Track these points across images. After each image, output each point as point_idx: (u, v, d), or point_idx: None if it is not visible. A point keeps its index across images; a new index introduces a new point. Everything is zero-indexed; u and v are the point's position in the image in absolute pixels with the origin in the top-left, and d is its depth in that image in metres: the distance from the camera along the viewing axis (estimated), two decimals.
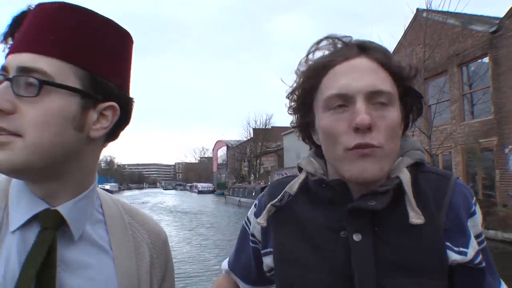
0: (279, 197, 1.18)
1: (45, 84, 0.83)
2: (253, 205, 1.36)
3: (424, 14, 21.99)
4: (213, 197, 69.76)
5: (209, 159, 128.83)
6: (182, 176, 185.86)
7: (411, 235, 1.02)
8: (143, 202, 48.83)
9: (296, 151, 38.78)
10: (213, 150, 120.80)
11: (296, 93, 1.17)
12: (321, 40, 1.15)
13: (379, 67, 1.05)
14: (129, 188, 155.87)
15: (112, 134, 1.00)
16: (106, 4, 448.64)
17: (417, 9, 23.49)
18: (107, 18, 0.95)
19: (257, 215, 1.29)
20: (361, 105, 1.01)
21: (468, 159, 19.62)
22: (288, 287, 1.13)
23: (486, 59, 18.79)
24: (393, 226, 1.04)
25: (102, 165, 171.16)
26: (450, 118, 20.79)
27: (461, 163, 20.12)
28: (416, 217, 1.00)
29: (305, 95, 1.14)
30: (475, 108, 20.17)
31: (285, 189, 1.18)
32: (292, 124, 1.25)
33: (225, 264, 1.49)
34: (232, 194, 53.21)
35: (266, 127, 67.31)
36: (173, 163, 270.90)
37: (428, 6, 21.43)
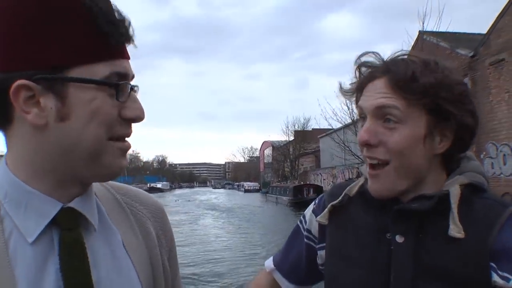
0: (339, 198, 1.26)
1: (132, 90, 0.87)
2: (312, 203, 1.43)
3: (424, 36, 25.89)
4: (257, 195, 74.01)
5: (258, 158, 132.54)
6: (232, 175, 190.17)
7: (454, 247, 1.05)
8: (189, 201, 53.74)
9: (330, 153, 42.48)
10: (259, 150, 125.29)
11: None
12: (363, 55, 1.23)
13: (391, 87, 1.10)
14: (180, 187, 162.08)
15: None
16: (156, 12, 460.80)
17: (419, 31, 27.15)
18: None
19: (315, 212, 1.36)
20: (367, 122, 1.12)
21: None
22: (333, 279, 1.24)
23: (467, 79, 22.38)
24: (436, 235, 1.08)
25: (154, 164, 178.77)
26: None
27: None
28: (455, 230, 1.04)
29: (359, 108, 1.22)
30: None
31: (344, 191, 1.27)
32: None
33: (269, 262, 1.51)
34: (271, 193, 57.63)
35: (305, 129, 71.10)
36: (223, 163, 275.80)
37: (424, 28, 25.31)
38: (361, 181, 1.28)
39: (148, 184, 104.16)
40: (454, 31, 24.31)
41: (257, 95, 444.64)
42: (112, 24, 0.80)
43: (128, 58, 0.87)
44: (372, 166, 1.13)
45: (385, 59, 1.18)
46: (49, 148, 0.81)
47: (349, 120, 37.05)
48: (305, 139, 68.05)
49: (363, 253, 1.17)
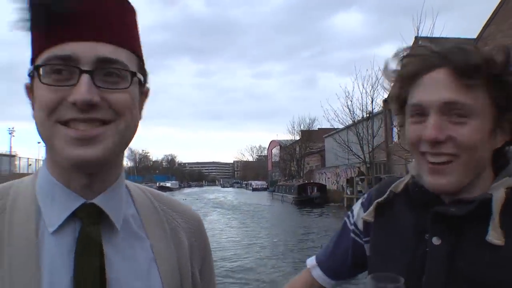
0: (385, 195, 1.25)
1: (134, 76, 0.87)
2: (361, 198, 1.43)
3: (420, 42, 27.28)
4: (265, 194, 75.59)
5: (266, 157, 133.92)
6: (240, 174, 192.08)
7: (492, 254, 1.00)
8: (197, 199, 55.41)
9: (334, 152, 43.89)
10: (267, 149, 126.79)
11: (391, 100, 1.21)
12: (410, 47, 1.19)
13: (458, 78, 1.03)
14: (189, 186, 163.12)
15: None
16: (161, 10, 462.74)
17: (415, 37, 28.56)
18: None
19: (364, 206, 1.36)
20: (433, 118, 1.03)
21: None
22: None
23: None
24: (474, 240, 1.04)
25: (164, 163, 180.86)
26: None
27: None
28: (494, 237, 0.99)
29: (397, 101, 1.18)
30: None
31: (390, 188, 1.25)
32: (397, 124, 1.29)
33: (311, 260, 1.51)
34: (277, 191, 59.53)
35: (311, 129, 72.47)
36: (232, 162, 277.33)
37: (419, 34, 26.81)
38: (406, 178, 1.25)
39: (158, 183, 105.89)
40: (448, 36, 25.63)
41: (265, 93, 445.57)
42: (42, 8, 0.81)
43: (91, 39, 0.83)
44: (435, 162, 1.06)
45: (434, 49, 1.10)
46: None
47: (350, 121, 38.62)
48: (311, 138, 69.42)
49: (402, 252, 1.15)
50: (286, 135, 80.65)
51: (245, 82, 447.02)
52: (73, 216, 0.87)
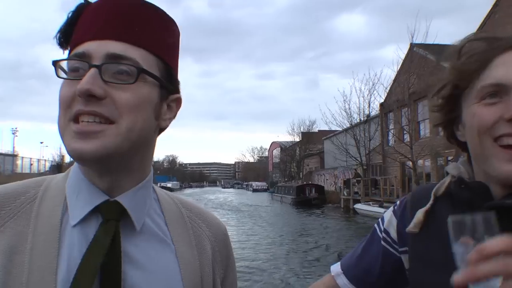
0: (430, 202, 1.17)
1: (142, 72, 0.87)
2: (393, 206, 1.34)
3: (415, 49, 28.32)
4: (265, 195, 76.12)
5: (267, 158, 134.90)
6: (241, 175, 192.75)
7: None
8: (197, 199, 56.22)
9: (333, 154, 44.75)
10: (268, 150, 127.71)
11: (445, 89, 1.12)
12: (471, 39, 1.10)
13: None
14: (190, 187, 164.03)
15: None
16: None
17: (410, 44, 29.45)
18: (163, 10, 0.99)
19: (396, 213, 1.28)
20: None
21: (438, 165, 25.73)
22: (419, 286, 1.14)
23: None
24: None
25: (165, 164, 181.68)
26: (428, 132, 26.90)
27: (434, 168, 26.28)
28: None
29: (457, 90, 1.09)
30: None
31: (432, 192, 1.18)
32: (435, 122, 1.21)
33: (336, 267, 1.43)
34: (277, 192, 60.42)
35: (311, 131, 73.36)
36: (233, 162, 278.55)
37: (414, 40, 27.79)
38: (447, 180, 1.17)
39: (159, 184, 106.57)
40: (443, 43, 26.47)
41: (268, 94, 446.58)
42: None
43: (103, 37, 0.88)
44: None
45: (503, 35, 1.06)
46: None
47: (347, 124, 39.54)
48: (311, 140, 70.32)
49: (450, 258, 0.99)
50: (287, 137, 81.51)
51: (248, 82, 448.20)
52: (96, 211, 0.90)
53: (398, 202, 1.33)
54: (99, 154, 0.84)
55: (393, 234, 1.28)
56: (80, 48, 0.87)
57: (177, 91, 1.01)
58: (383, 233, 1.31)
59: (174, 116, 1.02)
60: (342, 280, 1.38)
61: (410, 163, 27.18)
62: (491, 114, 0.99)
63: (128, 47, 0.88)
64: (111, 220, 0.89)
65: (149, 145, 0.97)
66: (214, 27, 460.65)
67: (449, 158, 23.67)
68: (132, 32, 0.89)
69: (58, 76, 0.87)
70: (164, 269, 0.94)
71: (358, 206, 30.91)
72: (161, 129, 1.02)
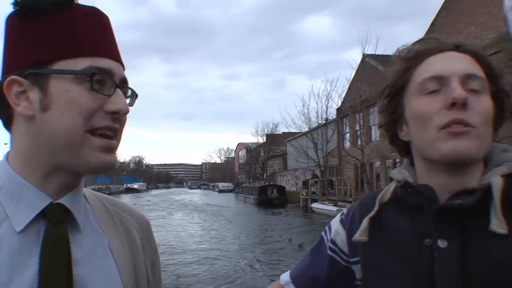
0: (375, 208, 1.16)
1: (136, 96, 1.00)
2: (339, 214, 1.33)
3: (366, 59, 30.53)
4: (231, 195, 77.30)
5: (234, 159, 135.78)
6: (208, 176, 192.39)
7: (503, 246, 0.94)
8: (162, 200, 57.71)
9: (295, 156, 46.65)
10: (234, 151, 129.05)
11: (387, 88, 1.16)
12: (417, 42, 1.14)
13: (473, 59, 1.05)
14: (157, 188, 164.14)
15: None
16: (128, 8, 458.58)
17: (363, 54, 31.62)
18: None
19: (344, 223, 1.27)
20: (457, 83, 1.00)
21: (386, 166, 27.94)
22: None
23: None
24: (481, 235, 0.96)
25: (131, 165, 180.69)
26: (378, 136, 29.11)
27: (382, 169, 28.52)
28: (497, 225, 0.93)
29: (397, 86, 1.13)
30: None
31: (377, 199, 1.17)
32: (379, 124, 1.24)
33: (285, 275, 1.41)
34: (240, 193, 62.22)
35: (275, 133, 75.25)
36: (200, 163, 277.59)
37: (365, 52, 30.06)
38: (392, 186, 1.17)
39: (125, 185, 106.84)
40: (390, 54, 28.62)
41: (235, 95, 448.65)
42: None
43: (117, 60, 0.93)
44: (458, 125, 0.98)
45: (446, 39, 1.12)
46: (36, 139, 0.87)
47: (306, 128, 41.68)
48: (275, 142, 72.12)
49: (404, 264, 1.06)
50: (252, 138, 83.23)
51: (215, 83, 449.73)
52: (38, 216, 0.88)
53: (345, 211, 1.31)
54: (115, 164, 0.95)
55: (341, 244, 1.26)
56: (103, 64, 0.89)
57: None
58: (329, 242, 1.29)
59: None
60: None
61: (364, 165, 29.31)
62: (433, 105, 1.01)
63: (120, 67, 0.94)
64: (59, 223, 0.89)
65: None
66: (182, 27, 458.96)
67: (397, 160, 25.80)
68: (119, 54, 0.96)
69: (93, 88, 0.86)
70: (103, 263, 0.95)
71: (314, 205, 32.97)
72: None
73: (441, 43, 1.10)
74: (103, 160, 0.89)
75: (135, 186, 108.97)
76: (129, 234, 1.07)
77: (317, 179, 38.31)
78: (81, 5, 0.91)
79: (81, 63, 0.87)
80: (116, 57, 0.93)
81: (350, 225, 1.24)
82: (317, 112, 40.44)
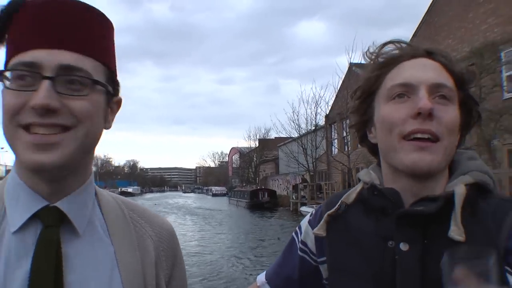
0: (335, 207, 1.17)
1: (95, 83, 0.88)
2: (308, 215, 1.35)
3: (353, 68, 31.72)
4: (224, 199, 78.46)
5: (227, 163, 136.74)
6: (202, 180, 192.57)
7: None
8: (155, 204, 58.45)
9: (286, 161, 47.74)
10: (228, 156, 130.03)
11: (359, 90, 1.17)
12: (386, 44, 1.15)
13: (442, 68, 1.06)
14: (151, 191, 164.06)
15: None
16: (120, 11, 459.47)
17: (350, 63, 32.79)
18: (104, 13, 0.97)
19: (311, 223, 1.28)
20: (424, 93, 1.00)
21: None
22: None
23: None
24: (442, 241, 0.97)
25: (126, 169, 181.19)
26: None
27: None
28: (456, 233, 0.95)
29: (368, 88, 1.14)
30: None
31: (341, 199, 1.18)
32: (350, 123, 1.25)
33: (261, 276, 1.44)
34: (233, 196, 63.38)
35: (267, 138, 76.28)
36: (194, 167, 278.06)
37: (352, 61, 31.28)
38: (358, 187, 1.19)
39: (120, 189, 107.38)
40: None
41: (229, 99, 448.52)
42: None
43: (56, 46, 0.86)
44: (420, 140, 1.00)
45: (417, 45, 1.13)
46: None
47: (296, 134, 42.92)
48: (267, 147, 73.16)
49: (367, 265, 1.08)
50: (246, 143, 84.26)
51: (208, 87, 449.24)
52: (36, 218, 0.88)
53: (314, 212, 1.33)
54: (60, 164, 0.84)
55: (311, 245, 1.28)
56: (27, 57, 0.84)
57: (118, 93, 1.02)
58: (300, 243, 1.31)
59: (114, 118, 1.02)
60: None
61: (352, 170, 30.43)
62: (400, 112, 1.03)
63: (81, 57, 0.87)
64: (52, 227, 0.88)
65: (94, 149, 0.97)
66: (175, 31, 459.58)
67: None
68: (82, 41, 0.89)
69: (7, 87, 0.85)
70: (104, 273, 0.92)
71: (303, 208, 33.86)
72: None
73: (413, 49, 1.12)
74: (32, 158, 0.83)
75: (130, 190, 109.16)
76: (143, 244, 1.02)
77: (306, 183, 39.52)
78: (29, 2, 0.89)
79: (13, 61, 0.86)
80: (54, 45, 0.86)
81: (315, 223, 1.24)
82: (306, 119, 41.57)
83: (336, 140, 36.69)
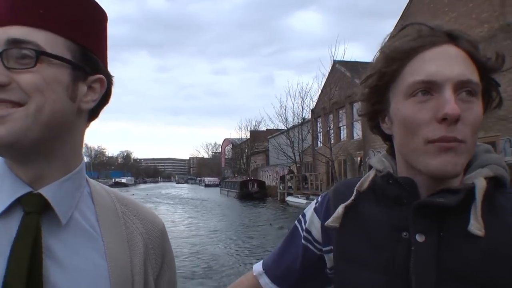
0: (352, 197, 1.12)
1: (42, 54, 0.83)
2: (313, 202, 1.30)
3: (337, 65, 33.52)
4: (217, 190, 79.52)
5: (220, 154, 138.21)
6: (196, 171, 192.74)
7: (479, 246, 0.93)
8: (147, 194, 60.41)
9: (276, 152, 49.57)
10: (221, 147, 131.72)
11: (372, 78, 1.06)
12: (405, 26, 1.05)
13: (467, 57, 0.97)
14: (144, 182, 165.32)
15: (94, 112, 0.99)
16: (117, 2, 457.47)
17: (334, 61, 34.55)
18: None
19: (318, 211, 1.23)
20: (450, 94, 0.92)
21: (349, 164, 31.12)
22: (344, 285, 1.10)
23: None
24: (459, 234, 0.95)
25: (119, 159, 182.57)
26: (345, 137, 32.34)
27: (349, 166, 31.76)
28: (476, 227, 0.92)
29: (383, 80, 1.03)
30: (354, 132, 31.85)
31: (355, 187, 1.13)
32: (359, 112, 1.17)
33: (258, 266, 1.39)
34: (224, 187, 65.41)
35: (258, 130, 77.98)
36: (188, 158, 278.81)
37: (334, 58, 33.10)
38: (371, 175, 1.14)
39: (113, 179, 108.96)
40: (363, 61, 31.32)
41: (224, 90, 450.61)
42: None
43: (2, 24, 0.84)
44: (448, 141, 0.93)
45: (437, 27, 1.00)
46: None
47: (283, 127, 44.81)
48: (259, 138, 74.82)
49: (377, 255, 1.04)
50: (238, 134, 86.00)
51: (204, 78, 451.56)
52: (19, 204, 0.86)
53: (320, 199, 1.27)
54: (8, 139, 0.81)
55: (315, 233, 1.23)
56: None
57: (98, 71, 0.95)
58: (304, 232, 1.26)
59: (98, 98, 0.96)
60: (264, 280, 1.34)
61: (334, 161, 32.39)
62: (423, 113, 0.95)
63: (31, 30, 0.84)
64: (33, 213, 0.85)
65: (72, 131, 0.92)
66: (170, 21, 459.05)
67: (358, 158, 28.82)
68: (35, 14, 0.85)
69: None
70: (90, 266, 0.89)
71: (288, 198, 36.06)
72: (92, 117, 1.00)
73: (434, 35, 0.99)
74: None
75: (123, 180, 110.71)
76: (132, 240, 1.01)
77: (292, 175, 41.39)
78: None
79: None
80: (3, 21, 0.84)
81: (325, 213, 1.20)
82: (293, 112, 43.38)
83: (320, 134, 38.51)
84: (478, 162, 1.04)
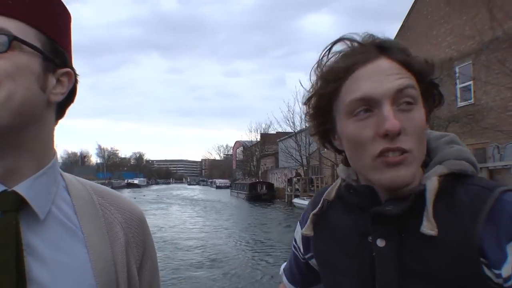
0: (319, 206, 1.17)
1: (14, 40, 0.82)
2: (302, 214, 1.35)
3: None
4: (228, 191, 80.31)
5: (232, 156, 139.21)
6: (207, 173, 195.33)
7: (436, 246, 0.94)
8: (157, 195, 61.99)
9: (286, 155, 50.62)
10: (232, 149, 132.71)
11: (313, 99, 1.08)
12: (335, 42, 1.06)
13: (401, 67, 0.97)
14: (157, 183, 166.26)
15: (61, 109, 0.98)
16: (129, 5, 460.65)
17: None
18: None
19: (301, 222, 1.29)
20: (389, 109, 0.93)
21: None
22: None
23: None
24: (417, 235, 0.96)
25: (132, 161, 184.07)
26: None
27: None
28: (428, 227, 0.93)
29: (323, 102, 1.05)
30: None
31: (323, 197, 1.17)
32: (310, 132, 1.16)
33: (282, 266, 1.52)
34: (234, 189, 66.81)
35: (268, 133, 79.03)
36: (200, 160, 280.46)
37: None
38: (337, 183, 1.17)
39: (126, 180, 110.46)
40: None
41: (235, 92, 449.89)
42: None
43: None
44: (394, 152, 0.93)
45: (360, 41, 1.02)
46: None
47: (290, 130, 45.96)
48: (268, 141, 75.83)
49: (348, 261, 1.08)
50: (248, 136, 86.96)
51: (215, 80, 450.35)
52: None
53: (303, 212, 1.32)
54: None
55: (299, 242, 1.32)
56: None
57: (66, 65, 0.95)
58: (293, 240, 1.37)
59: (66, 91, 0.95)
60: (285, 279, 1.48)
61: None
62: (366, 131, 0.96)
63: (1, 18, 0.84)
64: (10, 212, 0.83)
65: (42, 124, 0.91)
66: (182, 23, 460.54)
67: None
68: (5, 3, 0.85)
69: None
70: (73, 260, 0.88)
71: (295, 200, 36.98)
72: (59, 116, 0.99)
73: (366, 51, 1.00)
74: None
75: (136, 181, 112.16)
76: (112, 231, 0.99)
77: (299, 177, 42.41)
78: None
79: None
80: None
81: (304, 222, 1.25)
82: (300, 117, 44.39)
83: None
84: (437, 158, 1.05)
